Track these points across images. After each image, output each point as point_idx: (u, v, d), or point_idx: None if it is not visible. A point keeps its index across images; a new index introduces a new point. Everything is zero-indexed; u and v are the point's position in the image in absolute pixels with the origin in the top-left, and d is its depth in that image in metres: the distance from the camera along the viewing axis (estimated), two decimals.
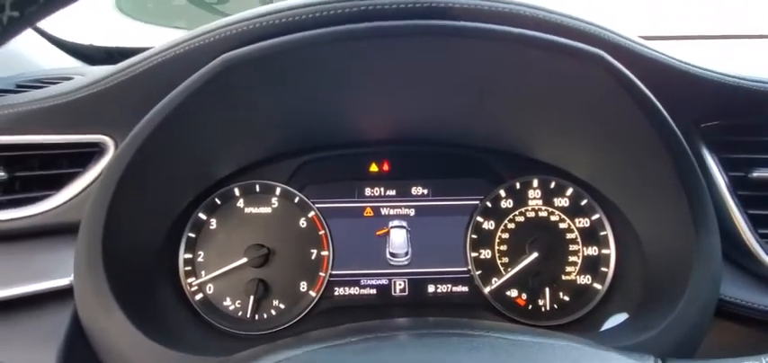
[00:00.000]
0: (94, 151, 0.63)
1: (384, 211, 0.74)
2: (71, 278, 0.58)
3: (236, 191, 0.72)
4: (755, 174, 0.65)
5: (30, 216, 0.62)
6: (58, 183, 0.63)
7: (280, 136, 0.69)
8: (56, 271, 0.59)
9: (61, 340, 0.56)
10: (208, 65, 0.51)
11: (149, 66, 0.56)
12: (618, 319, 0.66)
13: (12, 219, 0.62)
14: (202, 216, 0.71)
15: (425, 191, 0.75)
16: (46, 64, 0.89)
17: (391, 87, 0.64)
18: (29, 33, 0.90)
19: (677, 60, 0.60)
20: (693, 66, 0.61)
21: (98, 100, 0.59)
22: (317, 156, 0.73)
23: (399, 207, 0.74)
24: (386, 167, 0.75)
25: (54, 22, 0.95)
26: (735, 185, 0.65)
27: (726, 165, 0.66)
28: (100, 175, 0.62)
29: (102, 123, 0.61)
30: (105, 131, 0.62)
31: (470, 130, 0.72)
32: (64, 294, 0.58)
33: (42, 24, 0.94)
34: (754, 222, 0.64)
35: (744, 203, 0.65)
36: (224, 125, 0.62)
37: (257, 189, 0.73)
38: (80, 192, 0.63)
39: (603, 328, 0.67)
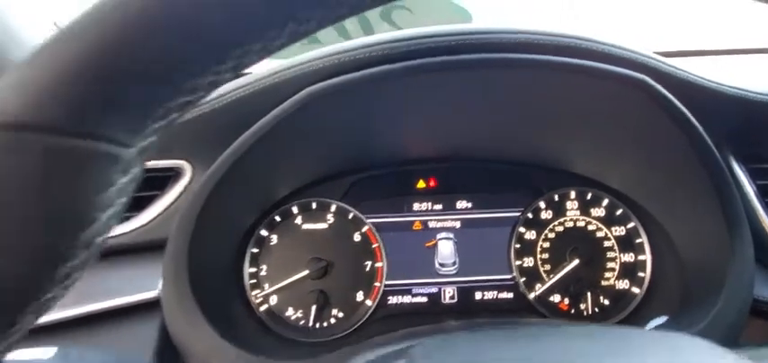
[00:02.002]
0: (171, 174, 0.69)
1: (432, 224, 0.79)
2: (157, 290, 0.64)
3: (295, 209, 0.78)
4: None
5: (116, 237, 0.68)
6: (138, 206, 0.69)
7: (337, 158, 0.75)
8: (142, 285, 0.65)
9: (154, 345, 0.61)
10: (294, 97, 0.57)
11: (232, 98, 0.62)
12: (658, 321, 0.71)
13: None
14: (264, 232, 0.77)
15: (469, 205, 0.80)
16: None
17: (443, 112, 0.70)
18: None
19: (707, 80, 0.66)
20: (722, 84, 0.67)
21: (182, 128, 0.65)
22: (368, 175, 0.79)
23: (446, 220, 0.79)
24: (432, 183, 0.80)
25: None
26: (763, 192, 0.70)
27: (753, 175, 0.71)
28: (179, 197, 0.68)
29: (182, 149, 0.67)
30: (185, 156, 0.68)
31: (512, 147, 0.77)
32: (151, 305, 0.64)
33: None
34: None
35: None
36: (293, 151, 0.68)
37: (314, 206, 0.78)
38: (160, 214, 0.68)
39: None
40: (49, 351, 0.37)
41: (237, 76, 0.60)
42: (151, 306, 0.64)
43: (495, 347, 0.27)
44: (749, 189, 0.70)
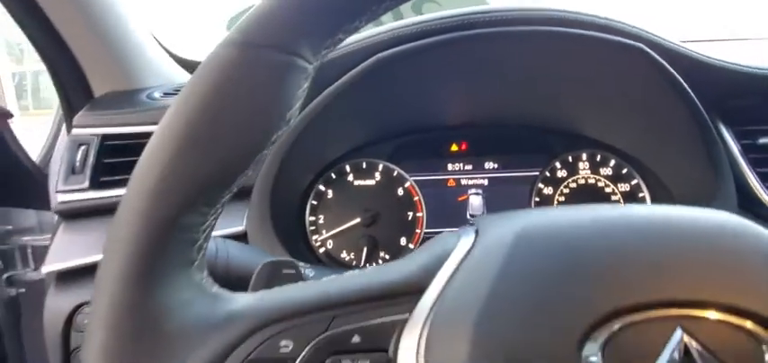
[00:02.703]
0: None
1: (464, 182, 0.93)
2: (242, 226, 0.78)
3: (347, 168, 0.92)
4: (761, 141, 0.82)
5: None
6: None
7: (385, 122, 0.89)
8: (229, 223, 0.79)
9: None
10: (364, 62, 0.71)
11: None
12: None
13: None
14: (322, 187, 0.91)
15: (495, 165, 0.93)
16: (176, 79, 1.09)
17: (474, 83, 0.84)
18: (159, 51, 1.10)
19: (698, 53, 0.79)
20: (711, 57, 0.80)
21: None
22: (410, 139, 0.93)
23: (475, 178, 0.93)
24: (464, 147, 0.94)
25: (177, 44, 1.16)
26: (746, 150, 0.83)
27: (738, 135, 0.83)
28: None
29: None
30: None
31: (532, 114, 0.90)
32: (239, 237, 0.78)
33: (168, 44, 1.15)
34: (762, 178, 0.81)
35: (753, 164, 0.82)
36: (352, 116, 0.82)
37: (364, 165, 0.92)
38: None
39: None
40: None
41: None
42: (237, 238, 0.78)
43: (551, 210, 0.39)
44: (734, 147, 0.82)
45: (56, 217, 0.87)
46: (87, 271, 0.72)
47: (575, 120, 0.90)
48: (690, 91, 0.74)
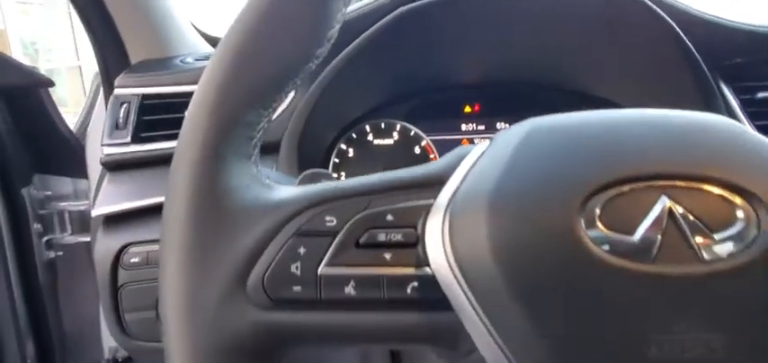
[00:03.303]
0: None
1: (476, 142, 0.98)
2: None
3: (367, 128, 0.98)
4: (759, 95, 0.87)
5: None
6: None
7: (403, 82, 0.95)
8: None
9: None
10: (386, 17, 0.76)
11: None
12: None
13: None
14: (343, 146, 0.97)
15: (507, 125, 0.99)
16: (203, 50, 1.16)
17: (485, 39, 0.89)
18: (188, 24, 1.16)
19: (699, 11, 0.83)
20: (712, 15, 0.84)
21: None
22: (426, 99, 0.98)
23: (487, 138, 0.97)
24: (476, 108, 0.99)
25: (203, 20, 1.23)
26: (745, 105, 0.87)
27: (737, 91, 0.88)
28: (283, 111, 0.88)
29: None
30: None
31: (540, 73, 0.95)
32: None
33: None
34: (761, 131, 0.86)
35: (752, 117, 0.86)
36: (372, 74, 0.87)
37: (382, 125, 0.98)
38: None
39: None
40: None
41: None
42: None
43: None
44: (734, 102, 0.87)
45: (94, 181, 0.94)
46: (130, 216, 0.79)
47: (581, 79, 0.95)
48: (692, 48, 0.79)
